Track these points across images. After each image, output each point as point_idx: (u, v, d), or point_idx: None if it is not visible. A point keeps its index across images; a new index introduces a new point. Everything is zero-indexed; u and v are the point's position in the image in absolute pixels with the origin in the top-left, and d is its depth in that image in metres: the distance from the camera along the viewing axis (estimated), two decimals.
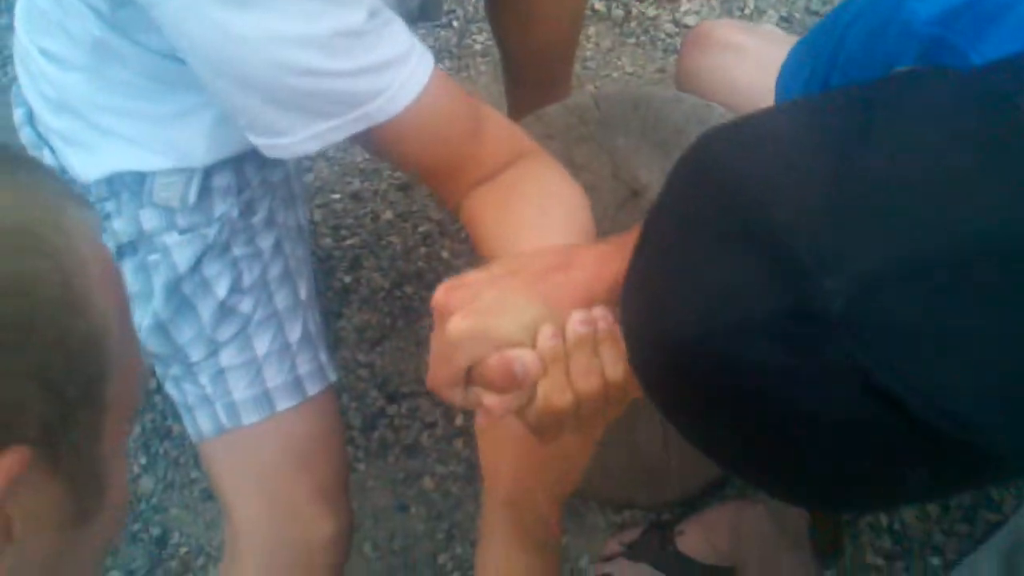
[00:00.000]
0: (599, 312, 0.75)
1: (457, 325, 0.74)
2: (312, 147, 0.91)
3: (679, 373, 0.57)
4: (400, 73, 0.90)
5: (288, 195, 1.22)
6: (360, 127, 0.90)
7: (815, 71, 0.78)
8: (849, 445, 0.52)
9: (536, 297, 0.76)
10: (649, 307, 0.60)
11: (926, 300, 0.49)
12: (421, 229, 1.86)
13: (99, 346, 0.53)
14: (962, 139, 0.52)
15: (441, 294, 0.77)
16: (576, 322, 0.73)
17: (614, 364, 0.74)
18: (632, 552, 1.47)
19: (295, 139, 0.90)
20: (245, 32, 0.83)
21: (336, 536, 1.19)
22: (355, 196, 1.91)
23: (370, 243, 1.86)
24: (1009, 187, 0.49)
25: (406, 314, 1.78)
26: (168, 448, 1.68)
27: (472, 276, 0.80)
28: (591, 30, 2.08)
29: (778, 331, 0.51)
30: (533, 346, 0.74)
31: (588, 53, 2.05)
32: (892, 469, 0.52)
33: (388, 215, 1.88)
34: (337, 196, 1.91)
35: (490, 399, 0.74)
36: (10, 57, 2.14)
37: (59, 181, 0.57)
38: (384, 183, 1.92)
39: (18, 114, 1.19)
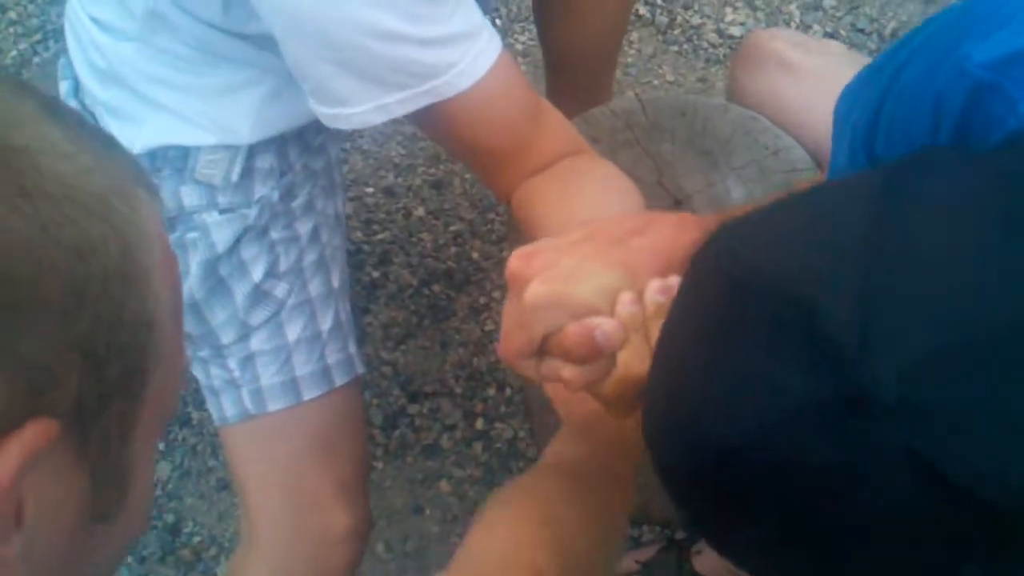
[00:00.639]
0: (676, 280, 0.72)
1: (535, 291, 0.71)
2: (377, 118, 0.90)
3: (719, 479, 0.53)
4: (472, 49, 0.90)
5: (329, 183, 1.20)
6: (427, 101, 0.89)
7: (869, 102, 0.76)
8: (909, 542, 0.49)
9: (614, 263, 0.74)
10: (680, 411, 0.55)
11: (978, 381, 0.46)
12: (452, 228, 1.84)
13: (150, 331, 0.50)
14: (989, 217, 0.49)
15: (516, 261, 0.74)
16: (655, 290, 0.71)
17: None
18: (648, 570, 1.45)
19: (361, 109, 0.89)
20: None
21: (354, 530, 1.17)
22: (388, 191, 1.89)
23: (400, 239, 1.84)
24: None
25: (432, 313, 1.76)
26: (187, 435, 1.67)
27: (548, 242, 0.77)
28: (634, 35, 2.06)
29: (828, 424, 0.47)
30: (611, 313, 0.71)
31: (630, 59, 2.02)
32: (954, 565, 0.49)
33: (420, 212, 1.86)
34: (370, 190, 1.89)
35: (569, 371, 0.71)
36: (51, 31, 2.14)
37: (134, 161, 0.54)
38: (418, 179, 1.90)
39: (63, 86, 1.18)
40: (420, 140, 1.95)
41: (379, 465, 1.62)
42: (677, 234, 0.78)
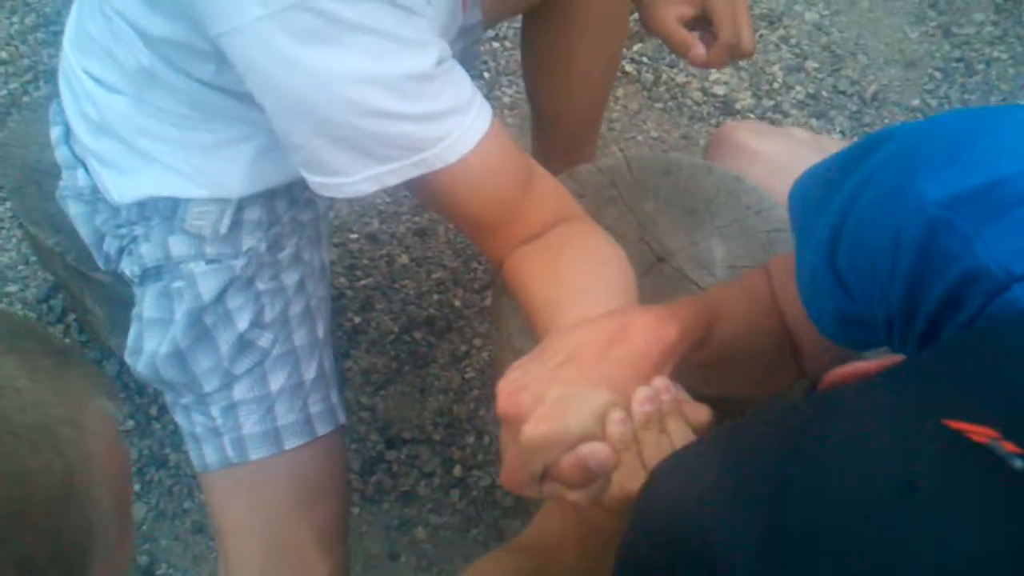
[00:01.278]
0: (660, 383, 0.75)
1: (530, 435, 0.75)
2: (367, 189, 0.91)
3: None
4: (462, 122, 0.91)
5: (315, 235, 1.21)
6: (417, 172, 0.90)
7: (828, 219, 0.78)
8: None
9: (599, 382, 0.77)
10: None
11: None
12: (435, 275, 1.85)
13: (90, 535, 0.55)
14: (885, 484, 0.50)
15: (505, 401, 0.78)
16: (641, 401, 0.75)
17: (683, 435, 0.75)
18: None
19: (351, 180, 0.91)
20: (317, 69, 0.84)
21: None
22: (372, 237, 1.90)
23: (383, 285, 1.85)
24: (935, 532, 0.48)
25: (413, 359, 1.77)
26: (163, 477, 1.66)
27: (531, 372, 0.80)
28: (620, 92, 2.10)
29: None
30: (604, 435, 0.75)
31: (615, 114, 2.06)
32: None
33: (404, 259, 1.88)
34: (354, 236, 1.90)
35: (572, 495, 0.75)
36: (42, 72, 2.16)
37: (91, 372, 0.59)
38: (402, 226, 1.92)
39: (55, 132, 1.19)
40: (404, 188, 1.96)
41: (356, 510, 1.62)
42: (655, 334, 0.81)
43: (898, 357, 0.61)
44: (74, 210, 1.21)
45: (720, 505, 0.53)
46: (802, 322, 0.90)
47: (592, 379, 0.77)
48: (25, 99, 2.13)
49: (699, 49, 1.17)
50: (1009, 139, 0.66)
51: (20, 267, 1.89)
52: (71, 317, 1.81)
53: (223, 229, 1.10)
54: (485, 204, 0.97)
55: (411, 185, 0.93)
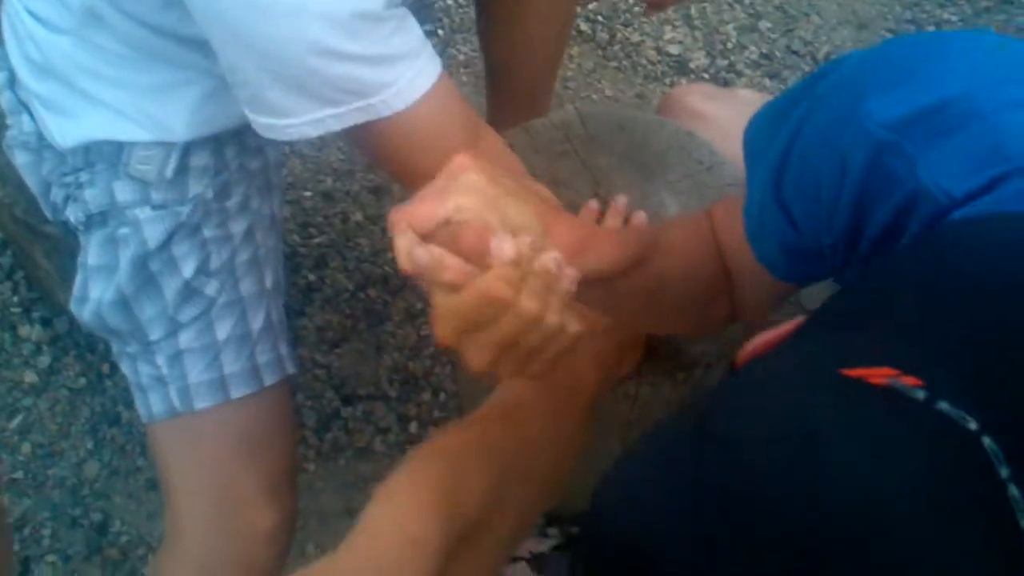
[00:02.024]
0: (570, 272, 0.72)
1: (472, 177, 0.71)
2: (310, 132, 0.91)
3: None
4: (410, 69, 0.91)
5: (265, 184, 1.21)
6: (361, 118, 0.90)
7: (777, 146, 0.79)
8: None
9: (537, 215, 0.74)
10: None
11: None
12: (390, 234, 1.85)
13: None
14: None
15: (464, 157, 0.73)
16: (550, 257, 0.70)
17: (557, 312, 0.71)
18: (536, 563, 1.46)
19: (295, 121, 0.90)
20: (266, 2, 0.83)
21: (278, 528, 1.17)
22: (326, 195, 1.90)
23: (337, 243, 1.84)
24: (841, 475, 0.48)
25: (368, 317, 1.77)
26: (116, 434, 1.66)
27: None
28: (574, 51, 2.09)
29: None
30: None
31: (569, 73, 2.06)
32: None
33: (358, 216, 1.87)
34: (308, 194, 1.89)
35: (451, 260, 0.68)
36: None
37: None
38: (356, 184, 1.91)
39: (0, 77, 1.18)
40: (350, 141, 1.95)
41: (311, 467, 1.62)
42: (612, 241, 0.81)
43: (796, 323, 0.61)
44: (20, 159, 1.20)
45: (649, 502, 0.54)
46: (743, 263, 0.90)
47: (537, 209, 0.74)
48: None
49: None
50: (955, 62, 0.67)
51: None
52: (19, 275, 1.79)
53: (169, 173, 1.09)
54: (429, 156, 0.94)
55: (355, 135, 0.93)
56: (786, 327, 0.62)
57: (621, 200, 1.15)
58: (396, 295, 1.78)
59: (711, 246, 0.94)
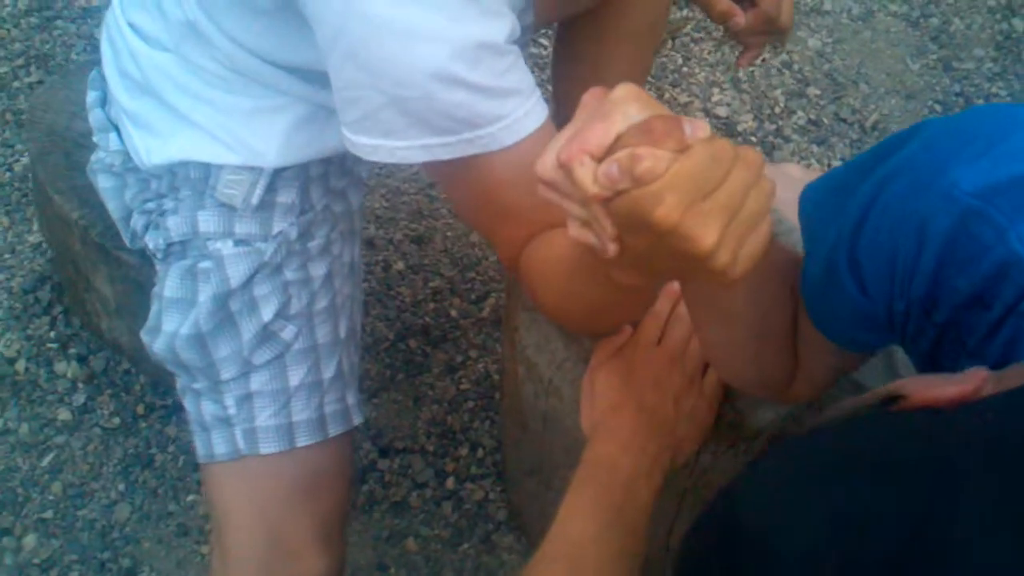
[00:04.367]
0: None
1: (620, 90, 0.68)
2: (417, 157, 0.91)
3: None
4: (521, 107, 0.91)
5: (348, 229, 1.20)
6: (469, 151, 0.90)
7: (850, 213, 0.77)
8: None
9: None
10: None
11: None
12: (432, 284, 1.83)
13: None
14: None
15: (596, 88, 0.71)
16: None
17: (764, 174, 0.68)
18: None
19: (403, 144, 0.90)
20: (393, 22, 0.84)
21: (327, 575, 1.16)
22: (369, 243, 1.88)
23: (378, 292, 1.83)
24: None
25: (407, 368, 1.74)
26: (148, 477, 1.63)
27: None
28: None
29: None
30: None
31: None
32: None
33: (400, 266, 1.86)
34: None
35: (645, 150, 0.64)
36: (34, 57, 2.12)
37: None
38: (399, 233, 1.89)
39: (92, 96, 1.19)
40: (403, 194, 1.95)
41: None
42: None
43: (981, 376, 0.58)
44: (103, 184, 1.20)
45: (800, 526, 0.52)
46: (803, 332, 0.90)
47: None
48: (15, 84, 2.09)
49: (740, 18, 1.18)
50: None
51: (6, 255, 1.85)
52: (58, 309, 1.77)
53: (255, 200, 1.08)
54: (523, 198, 0.95)
55: (449, 171, 0.92)
56: (964, 386, 0.58)
57: None
58: (436, 347, 1.76)
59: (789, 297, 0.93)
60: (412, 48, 0.85)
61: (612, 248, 0.71)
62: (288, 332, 1.12)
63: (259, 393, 1.12)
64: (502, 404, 1.48)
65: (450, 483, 1.63)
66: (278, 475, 1.13)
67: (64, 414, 1.68)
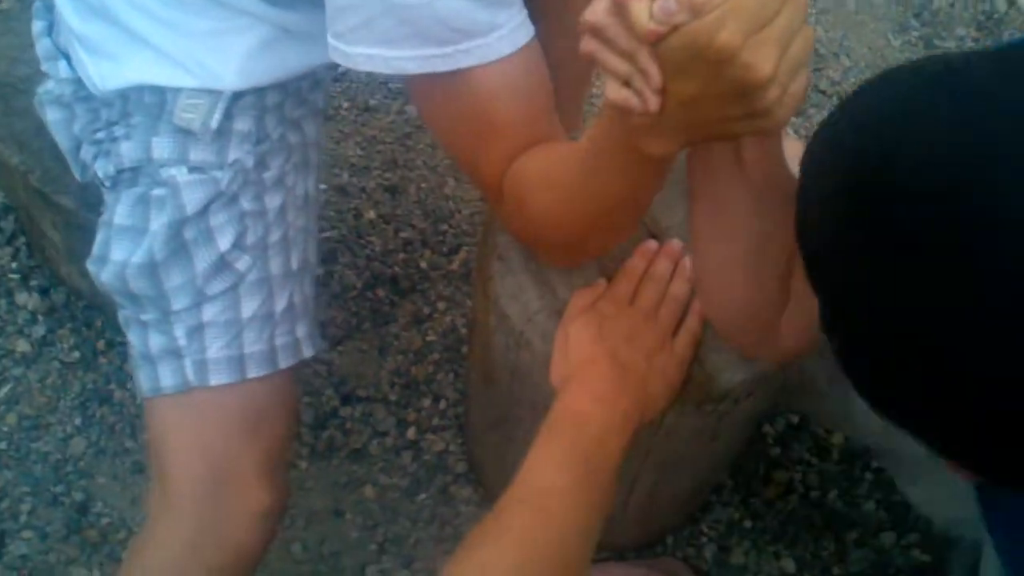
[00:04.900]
0: None
1: None
2: (412, 67, 0.90)
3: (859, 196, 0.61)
4: (514, 18, 0.92)
5: (303, 160, 1.18)
6: (465, 62, 0.90)
7: None
8: None
9: None
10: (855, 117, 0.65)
11: None
12: (403, 234, 1.82)
13: None
14: None
15: None
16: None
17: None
18: None
19: (399, 55, 0.89)
20: None
21: (270, 511, 1.14)
22: (341, 189, 1.86)
23: (349, 239, 1.81)
24: None
25: (374, 316, 1.73)
26: (106, 413, 1.61)
27: None
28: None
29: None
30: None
31: (596, 90, 2.03)
32: None
33: (371, 214, 1.84)
34: (323, 187, 1.85)
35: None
36: None
37: None
38: (372, 182, 1.87)
39: (37, 26, 1.16)
40: (378, 143, 1.92)
41: (303, 464, 1.58)
42: None
43: None
44: (51, 116, 1.17)
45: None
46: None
47: None
48: None
49: None
50: None
51: None
52: (20, 240, 1.74)
53: (213, 123, 1.07)
54: (516, 110, 0.96)
55: (440, 82, 0.92)
56: None
57: (676, 244, 1.14)
58: (404, 297, 1.75)
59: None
60: None
61: (654, 102, 0.74)
62: (243, 263, 1.11)
63: (211, 324, 1.10)
64: (469, 356, 1.47)
65: (411, 433, 1.62)
66: (224, 407, 1.12)
67: (23, 346, 1.66)
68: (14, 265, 1.72)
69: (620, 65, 0.74)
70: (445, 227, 1.83)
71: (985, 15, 2.21)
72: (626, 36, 0.73)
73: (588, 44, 0.76)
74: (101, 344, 1.67)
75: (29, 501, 1.53)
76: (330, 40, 0.94)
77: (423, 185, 1.87)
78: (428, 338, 1.71)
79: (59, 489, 1.54)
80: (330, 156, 1.89)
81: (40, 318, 1.68)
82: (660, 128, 0.78)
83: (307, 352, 1.20)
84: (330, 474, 1.58)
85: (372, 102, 1.98)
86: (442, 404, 1.65)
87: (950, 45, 2.17)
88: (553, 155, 0.98)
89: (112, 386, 1.63)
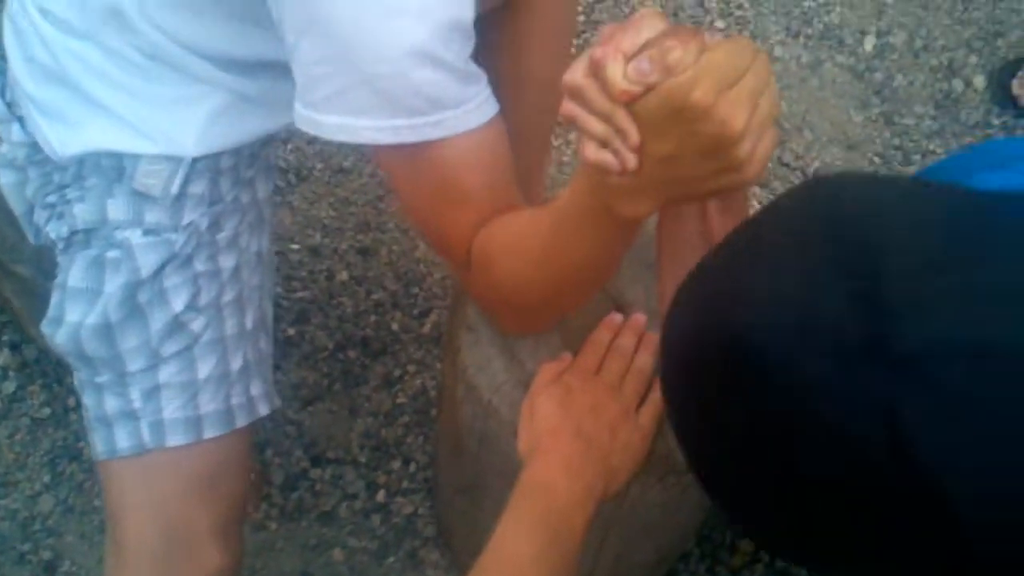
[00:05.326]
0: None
1: (649, 8, 0.77)
2: (383, 138, 0.92)
3: (724, 358, 0.60)
4: (482, 92, 0.94)
5: (257, 219, 1.20)
6: (435, 134, 0.92)
7: None
8: (842, 475, 0.55)
9: None
10: (723, 294, 0.64)
11: (986, 382, 0.52)
12: (374, 296, 1.84)
13: None
14: None
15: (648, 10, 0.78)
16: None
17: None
18: None
19: (371, 124, 0.91)
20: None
21: (225, 569, 1.15)
22: (314, 250, 1.89)
23: (320, 300, 1.83)
24: None
25: (344, 378, 1.75)
26: (75, 470, 1.61)
27: None
28: (572, 135, 2.12)
29: (836, 347, 0.55)
30: None
31: (566, 158, 2.08)
32: (870, 517, 0.55)
33: (344, 276, 1.86)
34: (296, 247, 1.88)
35: (672, 41, 0.72)
36: None
37: None
38: (345, 243, 1.90)
39: None
40: (351, 205, 1.95)
41: (273, 526, 1.59)
42: None
43: None
44: (4, 180, 1.18)
45: (908, 213, 0.60)
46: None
47: None
48: None
49: None
50: None
51: None
52: None
53: (174, 189, 1.08)
54: (483, 178, 0.98)
55: (410, 151, 0.94)
56: None
57: (640, 318, 1.17)
58: (375, 359, 1.77)
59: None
60: (392, 23, 0.86)
61: (632, 160, 0.77)
62: (197, 324, 1.12)
63: (167, 385, 1.11)
64: (438, 421, 1.49)
65: (380, 496, 1.64)
66: (179, 468, 1.12)
67: None
68: None
69: (597, 126, 0.77)
70: (416, 290, 1.85)
71: (943, 94, 2.29)
72: (603, 97, 0.76)
73: (567, 107, 0.79)
74: (72, 401, 1.67)
75: None
76: (300, 109, 0.95)
77: (395, 247, 1.90)
78: (398, 400, 1.73)
79: (27, 547, 1.54)
80: (303, 217, 1.92)
81: (11, 374, 1.69)
82: (635, 188, 0.81)
83: (263, 410, 1.21)
84: (299, 536, 1.59)
85: (345, 164, 2.01)
86: (412, 467, 1.67)
87: (909, 122, 2.23)
88: (521, 220, 1.00)
89: (82, 443, 1.64)
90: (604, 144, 0.78)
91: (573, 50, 1.49)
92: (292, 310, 1.81)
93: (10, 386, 1.68)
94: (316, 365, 1.76)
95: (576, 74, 0.77)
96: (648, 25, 0.75)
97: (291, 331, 1.79)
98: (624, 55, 0.74)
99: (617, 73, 0.73)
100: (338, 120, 0.92)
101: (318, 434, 1.69)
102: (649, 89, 0.73)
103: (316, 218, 1.93)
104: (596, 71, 0.75)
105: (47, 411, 1.66)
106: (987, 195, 0.63)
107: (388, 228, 1.93)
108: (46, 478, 1.60)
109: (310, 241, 1.90)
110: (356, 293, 1.85)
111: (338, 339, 1.79)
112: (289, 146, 2.02)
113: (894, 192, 0.64)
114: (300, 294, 1.83)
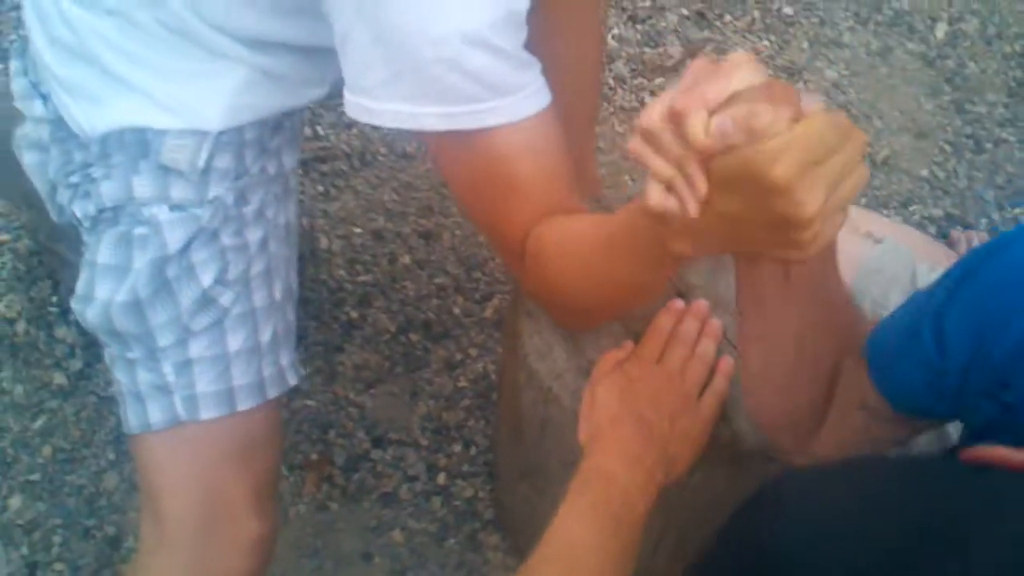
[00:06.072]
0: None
1: (743, 54, 0.71)
2: (435, 125, 0.91)
3: None
4: (537, 79, 0.94)
5: (282, 191, 1.20)
6: (490, 121, 0.91)
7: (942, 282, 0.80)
8: None
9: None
10: None
11: None
12: (437, 280, 1.84)
13: None
14: None
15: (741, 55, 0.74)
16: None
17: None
18: None
19: (422, 111, 0.91)
20: None
21: (262, 539, 1.15)
22: (376, 234, 1.89)
23: (383, 283, 1.83)
24: None
25: (406, 361, 1.75)
26: None
27: None
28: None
29: None
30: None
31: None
32: None
33: (406, 259, 1.86)
34: (359, 231, 1.89)
35: (763, 107, 0.67)
36: None
37: None
38: (408, 227, 1.90)
39: (14, 65, 1.18)
40: (415, 190, 1.95)
41: (334, 506, 1.59)
42: None
43: None
44: (28, 160, 1.19)
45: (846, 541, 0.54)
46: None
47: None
48: None
49: None
50: None
51: (12, 216, 1.84)
52: (60, 274, 1.78)
53: (200, 163, 1.08)
54: (537, 169, 0.97)
55: (463, 140, 0.93)
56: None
57: (703, 304, 1.15)
58: (437, 343, 1.77)
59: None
60: (448, 9, 0.86)
61: (695, 208, 0.73)
62: (226, 298, 1.12)
63: (199, 359, 1.12)
64: (499, 406, 1.49)
65: (441, 478, 1.63)
66: (215, 439, 1.13)
67: (60, 379, 1.68)
68: (54, 299, 1.75)
69: (666, 169, 0.74)
70: (478, 274, 1.85)
71: (1016, 81, 2.23)
72: (678, 144, 0.72)
73: (636, 145, 0.76)
74: None
75: (61, 533, 1.55)
76: (350, 97, 0.95)
77: (457, 232, 1.90)
78: (459, 384, 1.73)
79: (91, 522, 1.56)
80: (366, 201, 1.93)
81: (78, 351, 1.71)
82: (691, 232, 0.78)
83: (291, 380, 1.21)
84: (360, 516, 1.59)
85: (409, 149, 2.01)
86: (472, 450, 1.66)
87: (981, 110, 2.19)
88: (579, 225, 0.99)
89: None
90: (669, 187, 0.75)
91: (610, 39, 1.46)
92: (355, 293, 1.82)
93: (77, 364, 1.70)
94: (378, 348, 1.76)
95: (652, 118, 0.73)
96: (739, 76, 0.70)
97: (354, 314, 1.79)
98: (708, 106, 0.70)
99: (698, 126, 0.69)
100: (393, 107, 0.92)
101: (380, 416, 1.69)
102: (729, 148, 0.69)
103: (379, 202, 1.93)
104: (676, 120, 0.71)
105: (112, 389, 1.68)
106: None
107: (451, 213, 1.92)
108: (111, 455, 1.62)
109: (373, 225, 1.90)
110: (418, 277, 1.85)
111: (400, 322, 1.79)
112: (353, 130, 2.02)
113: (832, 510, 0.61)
114: (363, 277, 1.83)
